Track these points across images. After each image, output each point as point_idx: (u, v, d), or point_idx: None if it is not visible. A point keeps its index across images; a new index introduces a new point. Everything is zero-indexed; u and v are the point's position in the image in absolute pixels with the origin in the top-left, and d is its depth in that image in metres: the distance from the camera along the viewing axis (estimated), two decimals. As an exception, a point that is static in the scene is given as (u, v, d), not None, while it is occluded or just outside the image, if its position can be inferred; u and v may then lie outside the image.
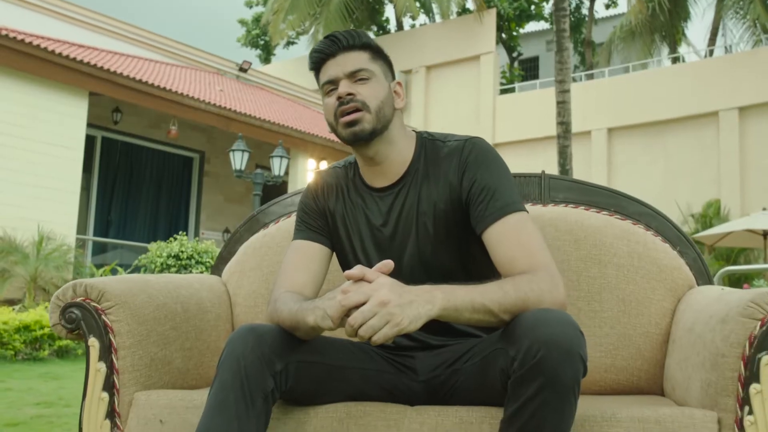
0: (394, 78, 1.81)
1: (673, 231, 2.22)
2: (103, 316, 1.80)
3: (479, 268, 1.70)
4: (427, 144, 1.79)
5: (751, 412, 1.48)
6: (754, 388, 1.48)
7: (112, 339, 1.79)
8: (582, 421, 1.51)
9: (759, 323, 1.49)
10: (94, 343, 1.79)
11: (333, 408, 1.63)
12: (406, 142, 1.79)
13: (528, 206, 2.25)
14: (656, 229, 2.21)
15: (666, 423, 1.50)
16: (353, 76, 1.70)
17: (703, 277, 2.18)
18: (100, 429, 1.77)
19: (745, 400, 1.49)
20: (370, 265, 1.53)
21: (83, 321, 1.80)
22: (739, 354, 1.50)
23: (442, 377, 1.69)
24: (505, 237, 1.59)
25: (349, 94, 1.68)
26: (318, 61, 1.75)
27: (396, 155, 1.76)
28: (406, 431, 1.58)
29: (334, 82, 1.71)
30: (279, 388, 1.53)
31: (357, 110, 1.68)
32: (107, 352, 1.79)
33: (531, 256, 1.56)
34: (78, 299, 1.82)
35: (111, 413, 1.78)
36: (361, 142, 1.71)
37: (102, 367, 1.79)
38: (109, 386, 1.79)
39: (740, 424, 1.49)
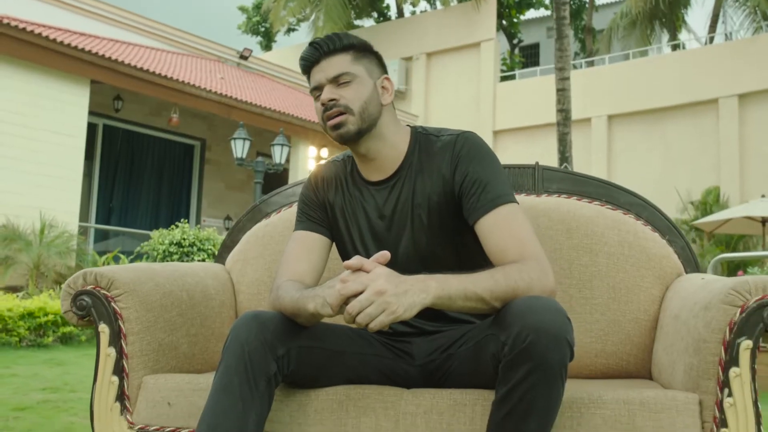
0: (385, 71, 1.86)
1: (663, 220, 2.28)
2: (112, 304, 1.87)
3: (472, 257, 1.76)
4: (421, 138, 1.84)
5: (730, 395, 1.55)
6: (733, 371, 1.55)
7: (122, 325, 1.87)
8: (570, 403, 1.58)
9: (739, 310, 1.56)
10: (104, 329, 1.87)
11: (333, 391, 1.71)
12: (400, 136, 1.84)
13: (522, 196, 2.32)
14: (646, 219, 2.28)
15: (650, 405, 1.57)
16: (336, 80, 1.76)
17: (691, 266, 2.24)
18: (111, 411, 1.85)
19: (725, 383, 1.56)
20: (368, 256, 1.60)
21: (93, 308, 1.88)
22: (720, 339, 1.57)
23: (437, 362, 1.77)
24: (497, 227, 1.65)
25: (332, 100, 1.75)
26: (305, 68, 1.82)
27: (389, 150, 1.82)
28: (402, 413, 1.65)
29: (319, 88, 1.78)
30: (281, 371, 1.61)
31: (341, 114, 1.74)
32: (117, 338, 1.87)
33: (521, 245, 1.62)
34: (88, 287, 1.89)
35: (121, 396, 1.86)
36: (350, 142, 1.78)
37: (112, 352, 1.86)
38: (119, 370, 1.86)
39: (720, 406, 1.56)
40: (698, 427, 1.57)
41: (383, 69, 1.86)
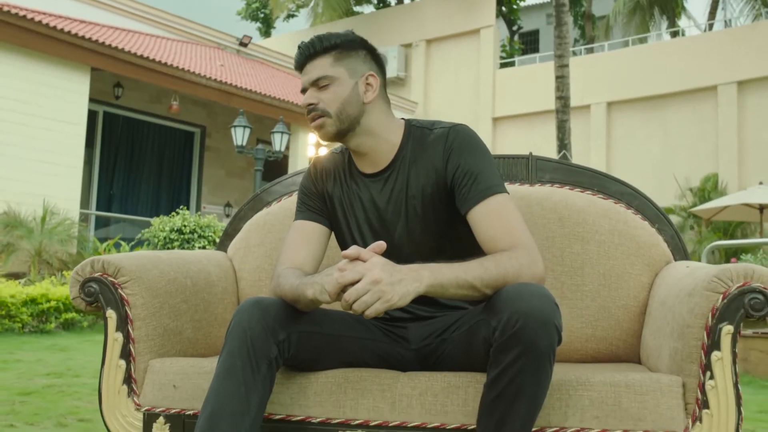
0: (376, 66, 1.89)
1: (653, 210, 2.34)
2: (119, 290, 1.94)
3: (464, 246, 1.81)
4: (415, 131, 1.89)
5: (712, 377, 1.62)
6: (715, 355, 1.62)
7: (128, 311, 1.93)
8: (558, 385, 1.65)
9: (721, 296, 1.63)
10: (111, 314, 1.94)
11: (332, 374, 1.77)
12: (392, 130, 1.89)
13: (516, 186, 2.38)
14: (636, 208, 2.34)
15: (635, 387, 1.64)
16: (316, 83, 1.82)
17: (680, 253, 2.30)
18: (118, 393, 1.92)
19: (707, 367, 1.63)
20: (365, 245, 1.67)
21: (101, 294, 1.94)
22: (703, 324, 1.63)
23: (431, 346, 1.83)
24: (488, 217, 1.71)
25: (310, 104, 1.82)
26: (298, 70, 1.89)
27: (381, 144, 1.87)
28: (398, 395, 1.72)
29: (304, 91, 1.85)
30: (282, 355, 1.67)
31: (319, 117, 1.81)
32: (124, 323, 1.93)
33: (511, 234, 1.68)
34: (96, 274, 1.95)
35: (128, 379, 1.93)
36: (334, 140, 1.86)
37: (119, 336, 1.93)
38: (126, 354, 1.93)
39: (702, 388, 1.63)
40: (681, 408, 1.64)
41: (373, 64, 1.89)
